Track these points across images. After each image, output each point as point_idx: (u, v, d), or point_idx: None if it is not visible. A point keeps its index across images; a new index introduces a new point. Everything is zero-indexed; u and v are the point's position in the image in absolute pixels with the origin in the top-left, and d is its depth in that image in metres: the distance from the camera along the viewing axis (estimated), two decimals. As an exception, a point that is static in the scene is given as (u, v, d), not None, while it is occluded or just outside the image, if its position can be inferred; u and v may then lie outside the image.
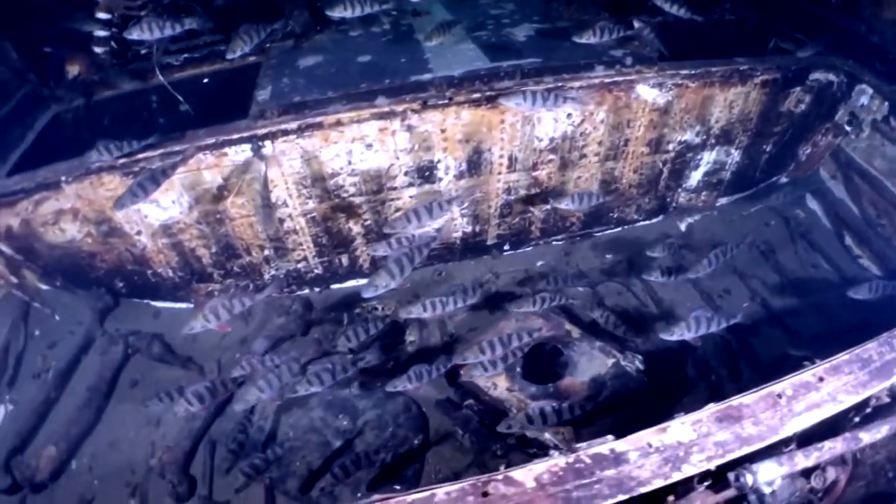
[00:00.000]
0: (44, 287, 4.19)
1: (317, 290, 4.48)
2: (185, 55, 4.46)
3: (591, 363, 3.54)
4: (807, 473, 2.18)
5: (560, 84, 3.73)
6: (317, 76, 3.86)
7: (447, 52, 3.98)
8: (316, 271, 4.38)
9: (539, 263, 4.58)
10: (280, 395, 3.32)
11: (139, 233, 3.91)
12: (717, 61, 4.05)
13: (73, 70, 4.51)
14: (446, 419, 3.66)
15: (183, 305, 4.37)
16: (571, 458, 1.97)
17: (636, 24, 4.13)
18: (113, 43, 4.43)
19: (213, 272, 4.21)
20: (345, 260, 4.37)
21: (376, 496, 1.90)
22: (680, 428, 2.02)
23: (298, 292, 4.44)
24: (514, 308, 3.59)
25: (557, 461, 1.96)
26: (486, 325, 3.99)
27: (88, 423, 3.74)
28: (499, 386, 3.48)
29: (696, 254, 4.40)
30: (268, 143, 3.61)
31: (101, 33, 4.37)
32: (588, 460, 1.96)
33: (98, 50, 4.45)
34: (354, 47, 4.18)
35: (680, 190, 4.72)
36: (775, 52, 4.66)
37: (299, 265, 4.31)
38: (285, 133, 3.58)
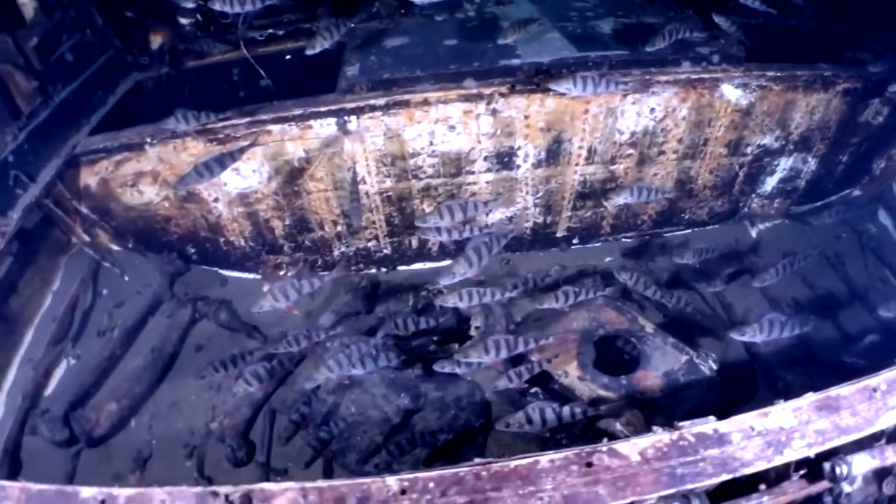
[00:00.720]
0: (115, 247, 4.38)
1: (384, 269, 4.57)
2: (270, 31, 4.61)
3: (664, 358, 3.57)
4: (880, 477, 2.19)
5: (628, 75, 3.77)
6: (404, 56, 3.98)
7: (534, 39, 4.06)
8: (385, 251, 4.48)
9: (607, 259, 4.61)
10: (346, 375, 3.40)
11: (216, 200, 4.06)
12: (802, 66, 4.06)
13: (156, 40, 4.69)
14: (508, 406, 3.71)
15: (250, 276, 4.50)
16: (675, 436, 2.00)
17: (721, 22, 4.16)
18: (198, 15, 4.58)
19: (284, 244, 4.34)
20: (414, 242, 4.46)
21: (478, 459, 1.96)
22: (781, 413, 2.04)
23: (366, 271, 4.54)
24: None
25: (661, 437, 1.99)
26: (554, 315, 4.04)
27: (151, 384, 3.85)
28: (570, 374, 3.53)
29: (765, 261, 4.41)
30: (353, 118, 3.73)
31: (188, 4, 4.53)
32: (692, 438, 1.99)
33: (183, 21, 4.63)
34: (440, 31, 4.30)
35: (754, 195, 4.72)
36: (853, 62, 4.64)
37: (369, 244, 4.42)
38: (372, 109, 3.70)
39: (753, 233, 4.80)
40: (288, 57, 4.58)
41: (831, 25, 5.03)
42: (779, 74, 4.01)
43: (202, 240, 4.30)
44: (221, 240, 4.28)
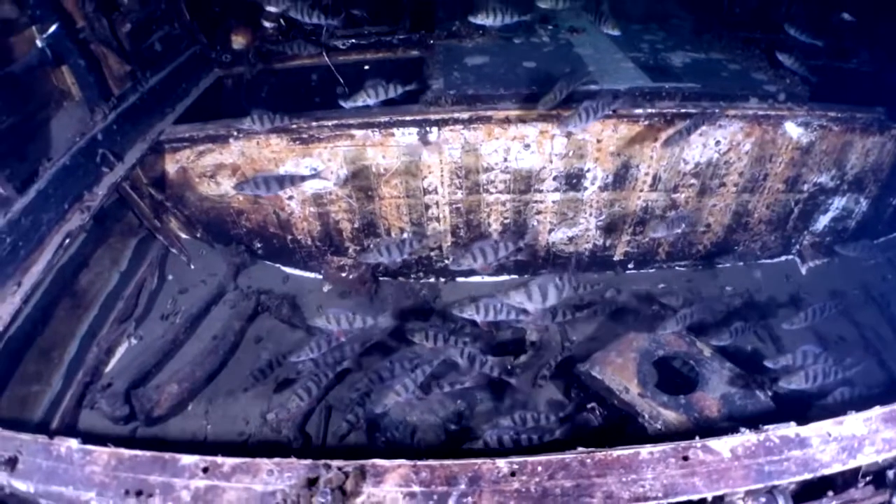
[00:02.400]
0: (184, 235, 4.72)
1: (442, 279, 4.88)
2: (352, 41, 5.00)
3: (721, 381, 3.85)
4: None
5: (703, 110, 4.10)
6: (486, 74, 4.34)
7: (609, 67, 4.41)
8: (446, 261, 4.79)
9: (661, 286, 4.91)
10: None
11: (291, 198, 4.39)
12: (862, 108, 4.39)
13: (238, 40, 5.06)
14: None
15: (312, 275, 4.82)
16: (762, 437, 2.29)
17: (785, 60, 4.48)
18: (282, 20, 4.96)
19: (350, 247, 4.66)
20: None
21: (581, 448, 2.25)
22: (854, 422, 2.33)
23: (425, 280, 4.85)
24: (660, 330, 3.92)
25: (749, 437, 2.29)
26: (608, 335, 4.33)
27: (212, 370, 4.10)
28: (631, 391, 3.81)
29: (815, 299, 4.69)
30: (434, 129, 4.06)
31: (273, 8, 4.91)
32: (777, 440, 2.28)
33: (267, 24, 4.99)
34: (518, 53, 4.68)
35: (806, 232, 5.02)
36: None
37: (432, 253, 4.73)
38: (455, 122, 4.04)
39: (804, 270, 5.10)
40: (367, 67, 4.94)
41: (887, 70, 5.36)
42: (839, 115, 4.34)
43: (270, 235, 4.63)
44: (289, 237, 4.60)
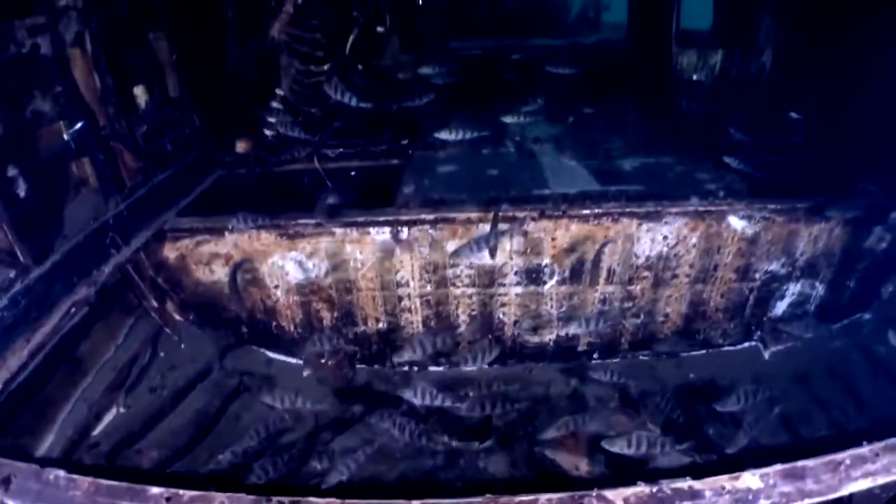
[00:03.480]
0: (178, 317, 5.30)
1: (416, 369, 5.35)
2: (341, 150, 5.84)
3: (669, 460, 4.18)
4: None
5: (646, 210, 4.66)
6: (453, 181, 5.05)
7: (564, 174, 5.07)
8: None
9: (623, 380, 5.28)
10: None
11: (277, 287, 4.99)
12: (803, 199, 4.83)
13: (241, 145, 5.99)
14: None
15: (293, 360, 5.33)
16: (656, 489, 2.66)
17: (731, 162, 5.07)
18: (280, 129, 5.79)
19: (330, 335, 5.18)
20: (448, 343, 5.24)
21: (489, 495, 2.65)
22: (751, 478, 2.69)
23: (398, 369, 5.32)
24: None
25: (644, 489, 2.65)
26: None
27: (190, 440, 4.50)
28: (581, 469, 4.16)
29: (780, 383, 5.02)
30: (405, 228, 4.69)
31: (272, 119, 5.76)
32: (669, 492, 2.64)
33: (267, 133, 5.89)
34: (485, 162, 5.41)
35: (766, 318, 5.40)
36: (863, 193, 5.40)
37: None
38: (422, 222, 4.66)
39: (767, 355, 5.46)
40: (353, 173, 5.70)
41: (837, 162, 5.88)
42: (780, 207, 4.79)
43: (256, 321, 5.22)
44: (274, 323, 5.18)
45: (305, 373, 5.11)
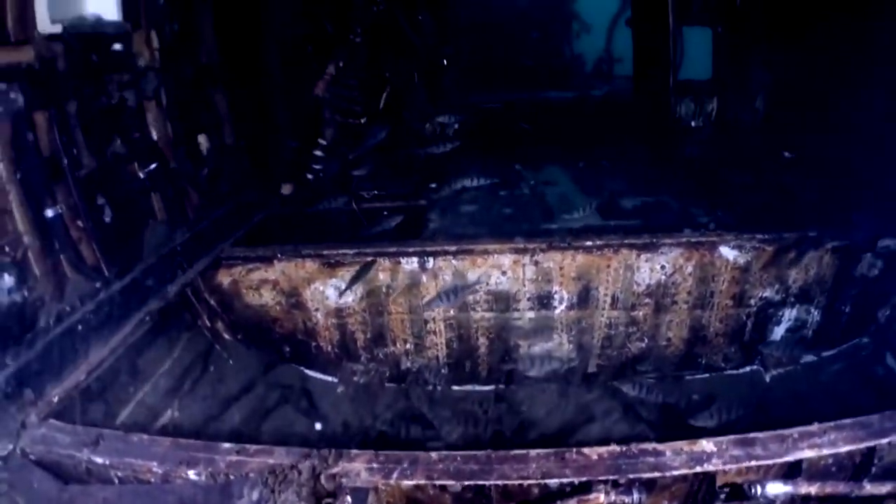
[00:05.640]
0: (227, 336, 6.11)
1: (439, 388, 6.12)
2: (374, 192, 6.86)
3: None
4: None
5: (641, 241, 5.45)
6: (472, 218, 5.97)
7: (572, 211, 5.94)
8: (443, 371, 6.07)
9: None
10: None
11: (317, 310, 5.85)
12: (790, 229, 5.47)
13: (286, 188, 7.06)
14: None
15: (329, 378, 6.14)
16: (625, 448, 3.33)
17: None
18: (321, 173, 6.80)
19: (363, 355, 6.02)
20: (468, 364, 6.05)
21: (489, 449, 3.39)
22: (706, 443, 3.38)
23: (423, 387, 6.10)
24: None
25: (615, 448, 3.28)
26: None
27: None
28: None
29: (780, 406, 5.65)
30: (431, 259, 5.55)
31: (315, 165, 6.77)
32: (636, 451, 3.31)
33: (309, 176, 6.91)
34: (501, 202, 6.33)
35: (765, 342, 6.05)
36: (858, 222, 5.99)
37: (430, 362, 6.04)
38: (445, 253, 5.52)
39: (767, 377, 6.10)
40: (385, 213, 6.63)
41: (831, 196, 6.56)
42: (768, 237, 5.43)
43: (297, 341, 6.07)
44: (313, 344, 6.02)
45: (340, 389, 5.93)
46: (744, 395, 5.81)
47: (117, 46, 4.82)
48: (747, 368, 6.18)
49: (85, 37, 4.44)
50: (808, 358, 6.11)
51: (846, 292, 5.80)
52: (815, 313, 5.92)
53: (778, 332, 6.03)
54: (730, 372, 6.18)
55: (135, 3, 5.05)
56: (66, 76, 4.17)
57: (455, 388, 6.13)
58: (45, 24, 4.11)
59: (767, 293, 5.78)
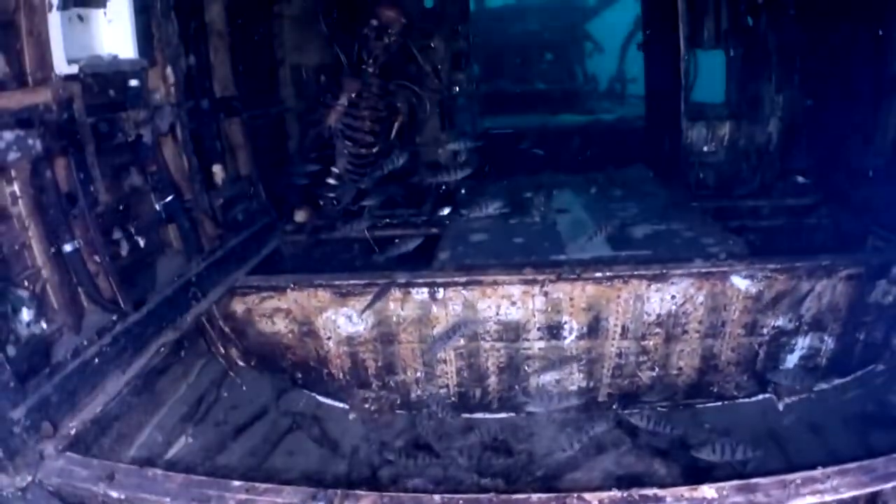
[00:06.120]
0: (241, 363, 6.25)
1: (448, 417, 6.18)
2: (386, 220, 6.97)
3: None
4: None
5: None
6: (483, 248, 6.03)
7: (581, 241, 5.99)
8: (453, 399, 6.13)
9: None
10: None
11: (329, 338, 5.94)
12: (803, 257, 5.54)
13: (300, 215, 7.20)
14: None
15: (340, 404, 6.24)
16: (626, 494, 3.41)
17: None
18: (334, 202, 6.93)
19: (373, 382, 6.10)
20: (478, 393, 6.11)
21: (492, 493, 3.47)
22: (708, 489, 3.43)
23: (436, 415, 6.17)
24: None
25: (616, 493, 3.35)
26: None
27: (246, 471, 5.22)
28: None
29: (793, 435, 5.66)
30: (441, 289, 5.63)
31: (329, 194, 6.90)
32: (637, 497, 3.38)
33: (322, 203, 7.02)
34: (512, 231, 6.40)
35: (777, 371, 6.03)
36: (875, 250, 6.07)
37: (440, 390, 6.10)
38: (456, 284, 5.60)
39: (780, 406, 6.10)
40: (397, 241, 6.68)
41: (845, 221, 6.62)
42: (780, 266, 5.46)
43: (309, 368, 6.17)
44: (325, 371, 6.11)
45: (351, 416, 6.02)
46: (755, 426, 5.85)
47: (133, 83, 4.94)
48: (760, 397, 6.18)
49: (101, 76, 4.59)
50: (822, 386, 6.14)
51: (860, 320, 5.81)
52: (829, 341, 5.91)
53: (791, 361, 6.03)
54: (742, 400, 6.19)
55: (150, 40, 5.23)
56: (84, 115, 4.30)
57: (465, 415, 6.19)
58: (61, 64, 4.22)
59: (780, 322, 5.78)
